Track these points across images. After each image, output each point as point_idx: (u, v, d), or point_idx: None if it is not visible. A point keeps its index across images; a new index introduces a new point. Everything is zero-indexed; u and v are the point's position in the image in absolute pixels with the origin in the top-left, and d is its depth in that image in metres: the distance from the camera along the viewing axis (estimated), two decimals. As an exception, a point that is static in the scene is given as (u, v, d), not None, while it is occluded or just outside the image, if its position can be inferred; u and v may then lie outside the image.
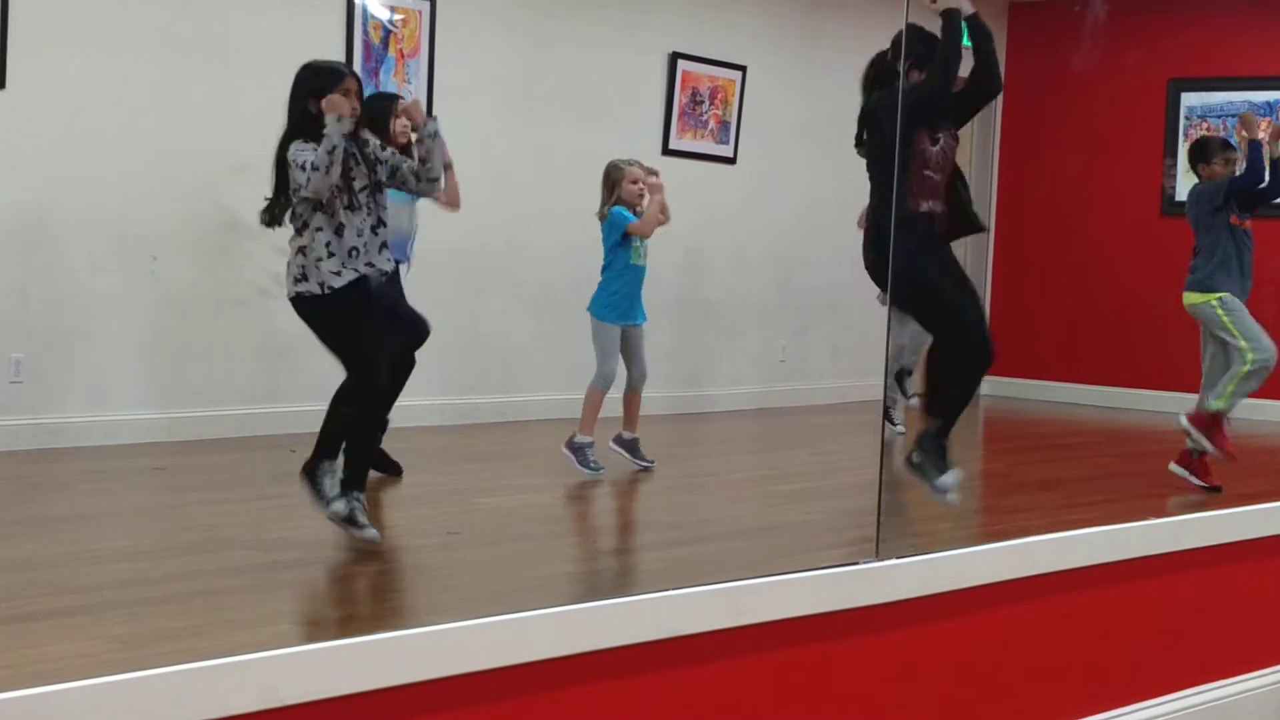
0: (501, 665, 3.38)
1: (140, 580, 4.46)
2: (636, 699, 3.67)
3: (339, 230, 5.03)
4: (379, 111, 6.01)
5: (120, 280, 7.01)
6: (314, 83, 5.04)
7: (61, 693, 2.80)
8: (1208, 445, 6.66)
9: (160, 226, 7.10)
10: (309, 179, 4.90)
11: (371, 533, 5.01)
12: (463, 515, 5.88)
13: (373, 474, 5.95)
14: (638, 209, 6.91)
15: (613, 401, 6.95)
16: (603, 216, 6.94)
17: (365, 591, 4.76)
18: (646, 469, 6.93)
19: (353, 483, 5.08)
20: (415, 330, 5.97)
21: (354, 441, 5.14)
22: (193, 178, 7.14)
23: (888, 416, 8.39)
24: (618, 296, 6.88)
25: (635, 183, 6.89)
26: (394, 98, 6.40)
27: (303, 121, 5.02)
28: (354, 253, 5.06)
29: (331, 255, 5.02)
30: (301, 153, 4.95)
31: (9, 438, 6.61)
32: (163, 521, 5.48)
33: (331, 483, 4.96)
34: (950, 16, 5.30)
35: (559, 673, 3.48)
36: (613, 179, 6.93)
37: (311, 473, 5.00)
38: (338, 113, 4.90)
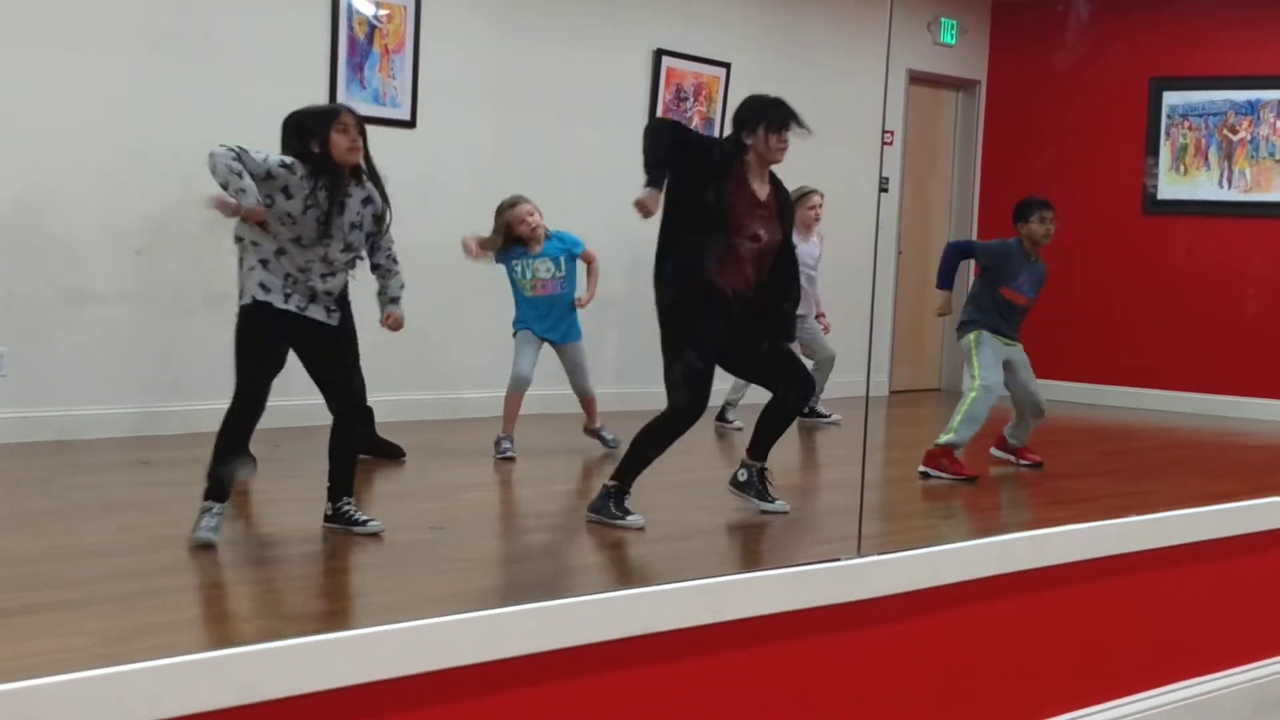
0: (482, 661, 3.39)
1: (123, 575, 4.46)
2: (617, 694, 3.69)
3: (278, 253, 5.02)
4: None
5: (104, 274, 7.01)
6: (311, 126, 5.06)
7: (41, 688, 2.80)
8: (949, 476, 6.92)
9: (145, 221, 7.09)
10: (222, 173, 4.89)
11: (374, 524, 5.11)
12: (447, 510, 5.90)
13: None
14: (530, 244, 7.16)
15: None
16: (494, 249, 7.22)
17: (347, 587, 4.77)
18: (611, 448, 7.12)
19: (341, 490, 5.15)
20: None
21: (335, 450, 5.19)
22: (177, 172, 7.11)
23: (815, 412, 8.67)
24: (529, 318, 7.18)
25: (523, 223, 7.14)
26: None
27: (293, 151, 5.05)
28: (289, 279, 5.03)
29: (266, 270, 5.02)
30: (240, 161, 4.90)
31: (-8, 432, 6.61)
32: (146, 516, 5.48)
33: (209, 520, 4.83)
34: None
35: (540, 668, 3.49)
36: (504, 218, 7.16)
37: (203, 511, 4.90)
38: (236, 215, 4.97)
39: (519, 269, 7.18)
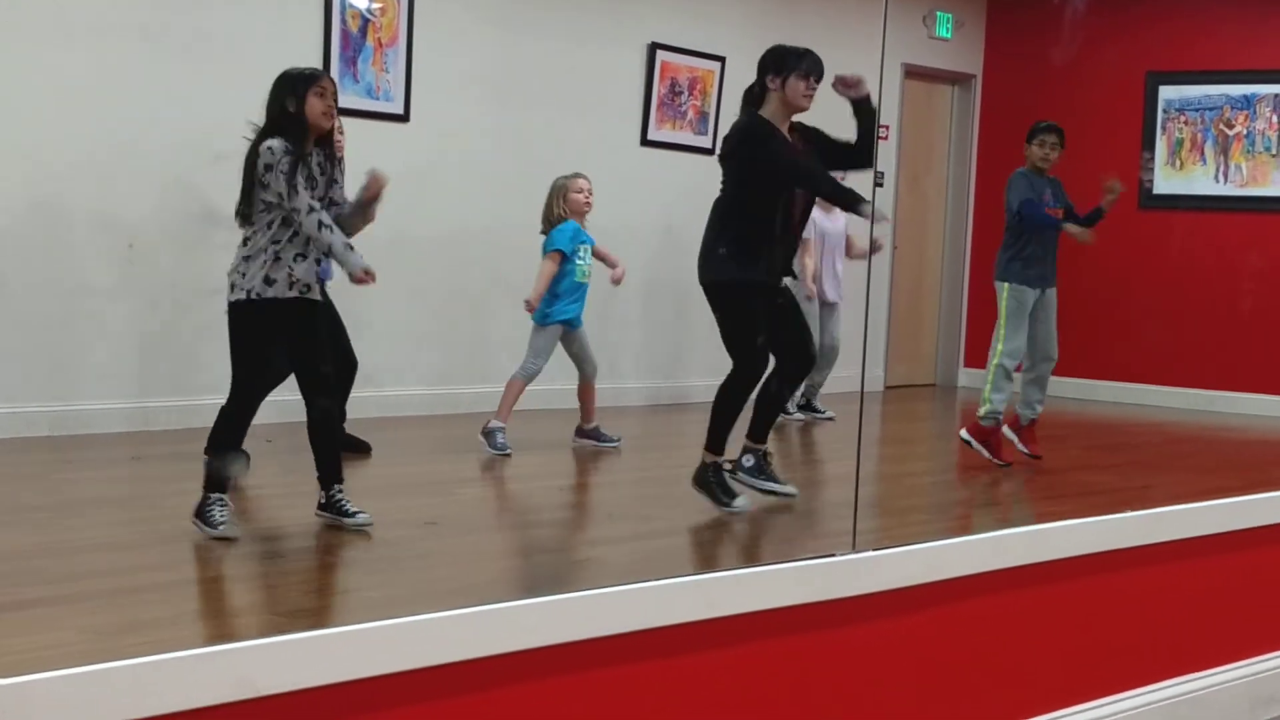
0: (477, 656, 3.38)
1: (115, 571, 4.45)
2: (613, 690, 3.67)
3: (297, 236, 5.04)
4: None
5: (97, 269, 6.99)
6: (290, 87, 5.07)
7: (33, 684, 2.78)
8: (987, 454, 6.99)
9: (137, 216, 7.07)
10: (305, 214, 4.94)
11: (363, 517, 5.07)
12: (441, 505, 5.88)
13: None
14: (584, 218, 7.14)
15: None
16: (545, 230, 7.14)
17: (342, 582, 4.76)
18: (615, 446, 7.13)
19: (331, 478, 5.12)
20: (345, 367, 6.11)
21: (317, 440, 5.16)
22: (170, 168, 7.12)
23: (812, 407, 8.65)
24: (563, 304, 7.08)
25: (580, 192, 7.10)
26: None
27: (280, 121, 5.04)
28: (321, 261, 5.11)
29: (279, 263, 5.02)
30: (281, 158, 4.93)
31: (-16, 427, 6.58)
32: (139, 512, 5.47)
33: (222, 512, 4.88)
34: (866, 109, 5.57)
35: (534, 664, 3.48)
36: (558, 192, 7.14)
37: (201, 510, 4.91)
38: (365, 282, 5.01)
39: (581, 253, 7.13)
